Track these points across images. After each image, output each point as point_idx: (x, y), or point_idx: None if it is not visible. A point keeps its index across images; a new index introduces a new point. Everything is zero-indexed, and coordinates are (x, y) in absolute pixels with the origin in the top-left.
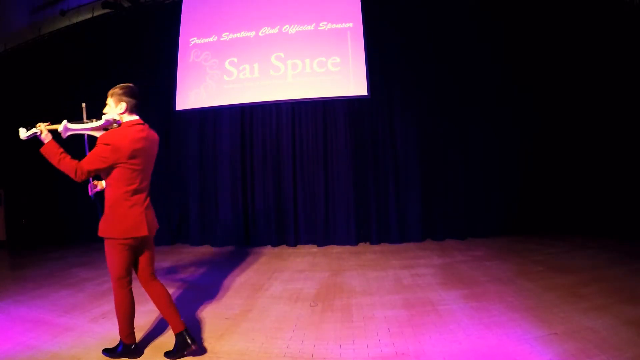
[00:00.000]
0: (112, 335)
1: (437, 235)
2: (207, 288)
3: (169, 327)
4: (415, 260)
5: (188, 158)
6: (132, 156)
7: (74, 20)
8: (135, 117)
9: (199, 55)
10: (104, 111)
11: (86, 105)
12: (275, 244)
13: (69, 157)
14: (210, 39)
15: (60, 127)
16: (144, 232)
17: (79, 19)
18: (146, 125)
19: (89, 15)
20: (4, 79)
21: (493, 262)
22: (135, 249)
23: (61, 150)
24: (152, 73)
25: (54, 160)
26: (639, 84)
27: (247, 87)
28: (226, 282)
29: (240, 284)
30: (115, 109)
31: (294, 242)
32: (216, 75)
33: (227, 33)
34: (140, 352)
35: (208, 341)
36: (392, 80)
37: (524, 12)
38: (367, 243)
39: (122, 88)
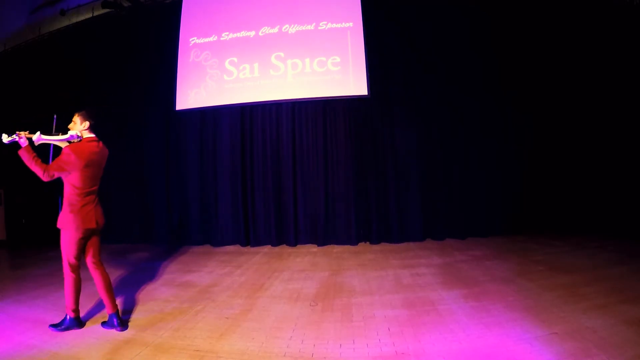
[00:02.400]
0: (112, 335)
1: (437, 234)
2: (207, 288)
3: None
4: (415, 259)
5: (188, 158)
6: (87, 166)
7: (74, 20)
8: (92, 135)
9: (198, 55)
10: (69, 127)
11: (69, 115)
12: (275, 243)
13: (40, 160)
14: (210, 39)
15: (34, 137)
16: (92, 225)
17: (79, 18)
18: (100, 142)
19: (88, 15)
20: (4, 79)
21: (493, 262)
22: (85, 240)
23: (35, 154)
24: (152, 73)
25: (28, 161)
26: (639, 84)
27: (247, 87)
28: (226, 281)
29: (240, 284)
30: (80, 125)
31: (294, 241)
32: (216, 75)
33: (227, 33)
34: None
35: (208, 341)
36: (392, 79)
37: (523, 11)
38: (367, 243)
39: (87, 111)
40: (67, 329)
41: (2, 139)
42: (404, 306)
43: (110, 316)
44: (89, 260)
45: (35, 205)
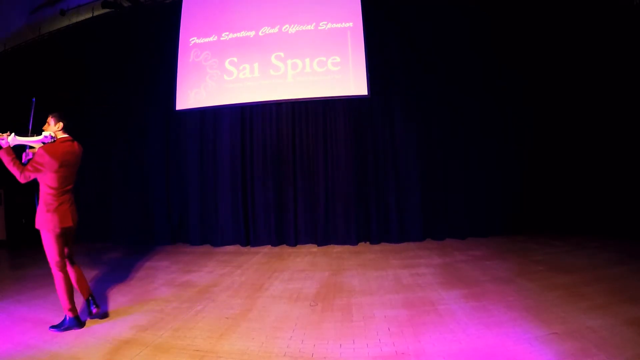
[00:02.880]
0: (112, 335)
1: (437, 234)
2: (207, 288)
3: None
4: (415, 259)
5: (188, 158)
6: (61, 166)
7: (74, 20)
8: (66, 135)
9: (198, 55)
10: (43, 128)
11: (66, 115)
12: (275, 243)
13: (18, 162)
14: (210, 39)
15: (10, 138)
16: (69, 223)
17: (78, 18)
18: (75, 142)
19: (88, 15)
20: (4, 79)
21: (493, 262)
22: (64, 237)
23: (14, 155)
24: (152, 73)
25: (7, 162)
26: (639, 84)
27: (247, 87)
28: (226, 281)
29: (240, 284)
30: (54, 126)
31: (294, 241)
32: (216, 75)
33: (227, 33)
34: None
35: (208, 341)
36: (392, 79)
37: (523, 11)
38: (367, 243)
39: (59, 112)
40: (68, 329)
41: None
42: (404, 306)
43: (86, 301)
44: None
45: (35, 206)
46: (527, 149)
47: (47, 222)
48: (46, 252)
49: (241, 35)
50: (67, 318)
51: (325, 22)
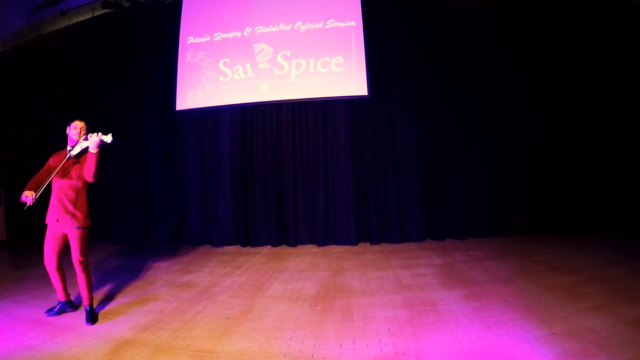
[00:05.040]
0: (112, 335)
1: (437, 235)
2: (207, 288)
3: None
4: (415, 260)
5: (188, 158)
6: None
7: (74, 20)
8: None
9: (195, 55)
10: (84, 134)
11: (68, 116)
12: (275, 244)
13: None
14: (209, 39)
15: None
16: None
17: (79, 19)
18: None
19: (89, 15)
20: (5, 79)
21: (493, 262)
22: None
23: None
24: (152, 73)
25: (96, 158)
26: (639, 84)
27: (246, 87)
28: (226, 282)
29: (240, 284)
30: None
31: (294, 242)
32: (212, 76)
33: (225, 33)
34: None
35: (208, 341)
36: (392, 79)
37: (523, 11)
38: (367, 243)
39: None
40: (94, 317)
41: (107, 140)
42: (404, 306)
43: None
44: (57, 259)
45: (35, 206)
46: (527, 149)
47: (89, 220)
48: (83, 249)
49: (238, 35)
50: (91, 309)
51: (333, 20)
